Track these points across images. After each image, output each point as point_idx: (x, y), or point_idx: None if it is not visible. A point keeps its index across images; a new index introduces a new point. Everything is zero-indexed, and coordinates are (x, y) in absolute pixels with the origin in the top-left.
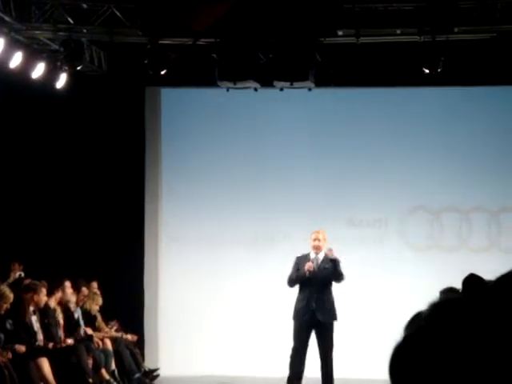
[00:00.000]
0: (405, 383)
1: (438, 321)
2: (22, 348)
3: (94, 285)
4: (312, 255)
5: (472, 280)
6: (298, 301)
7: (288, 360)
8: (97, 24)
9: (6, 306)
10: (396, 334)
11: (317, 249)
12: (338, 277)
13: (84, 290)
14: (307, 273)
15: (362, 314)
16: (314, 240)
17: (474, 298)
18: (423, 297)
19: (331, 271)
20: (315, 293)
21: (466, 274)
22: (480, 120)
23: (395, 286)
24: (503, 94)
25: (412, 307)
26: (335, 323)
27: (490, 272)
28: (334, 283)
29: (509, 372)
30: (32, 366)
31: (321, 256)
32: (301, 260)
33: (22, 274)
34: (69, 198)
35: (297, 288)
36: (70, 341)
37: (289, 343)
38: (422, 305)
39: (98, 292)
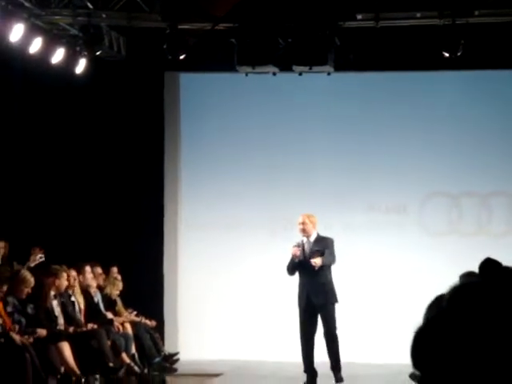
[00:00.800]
0: (427, 365)
1: (459, 304)
2: (43, 332)
3: (114, 270)
4: (304, 240)
5: (489, 264)
6: (298, 287)
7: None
8: (116, 9)
9: (27, 290)
10: (414, 320)
11: (303, 232)
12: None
13: (99, 273)
14: (295, 259)
15: (379, 299)
16: (299, 224)
17: (493, 281)
18: (442, 282)
19: (321, 253)
20: (309, 277)
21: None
22: (500, 104)
23: (414, 271)
24: None
25: (430, 292)
26: (340, 304)
27: (509, 257)
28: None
29: None
30: (53, 349)
31: (312, 239)
32: (293, 246)
33: (43, 257)
34: (89, 183)
35: None
36: (91, 325)
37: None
38: (440, 290)
39: (119, 277)
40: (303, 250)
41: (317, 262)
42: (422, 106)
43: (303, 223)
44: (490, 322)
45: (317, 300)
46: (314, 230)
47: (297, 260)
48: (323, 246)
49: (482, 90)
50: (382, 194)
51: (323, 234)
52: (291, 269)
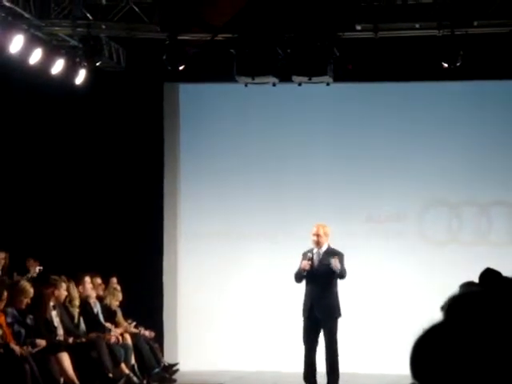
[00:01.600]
0: (426, 376)
1: (459, 314)
2: (42, 342)
3: (114, 280)
4: (314, 250)
5: (489, 274)
6: (304, 298)
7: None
8: (115, 20)
9: (26, 300)
10: (414, 329)
11: (317, 244)
12: (340, 277)
13: (98, 283)
14: (303, 272)
15: (378, 309)
16: (313, 235)
17: (493, 291)
18: (441, 291)
19: (331, 268)
20: (315, 289)
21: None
22: (499, 114)
23: (413, 280)
24: None
25: (430, 302)
26: (343, 319)
27: (509, 267)
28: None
29: None
30: (52, 360)
31: (322, 250)
32: (305, 255)
33: (42, 268)
34: (88, 193)
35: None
36: (92, 335)
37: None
38: (439, 299)
39: (119, 287)
40: (312, 260)
41: (336, 264)
42: (421, 116)
43: (318, 235)
44: (490, 333)
45: (320, 313)
46: (326, 242)
47: (304, 273)
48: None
49: (482, 101)
50: (381, 203)
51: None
52: (299, 278)
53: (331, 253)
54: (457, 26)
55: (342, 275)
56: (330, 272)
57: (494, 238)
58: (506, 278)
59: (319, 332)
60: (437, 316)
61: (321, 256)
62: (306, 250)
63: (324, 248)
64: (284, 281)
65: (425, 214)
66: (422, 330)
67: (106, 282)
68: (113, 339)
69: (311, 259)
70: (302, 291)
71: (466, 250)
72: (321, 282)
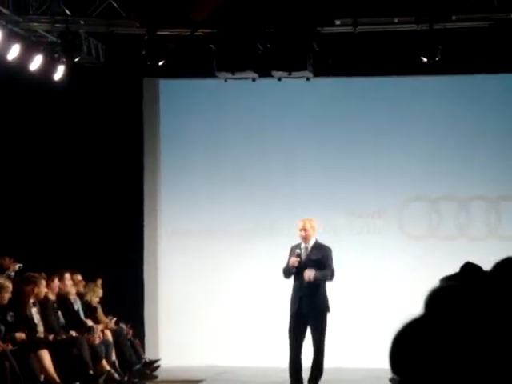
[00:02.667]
0: (406, 370)
1: (438, 308)
2: (21, 335)
3: (99, 281)
4: (302, 245)
5: (469, 268)
6: (292, 293)
7: (287, 350)
8: (94, 15)
9: (7, 295)
10: (394, 323)
11: (304, 239)
12: (328, 281)
13: (79, 280)
14: (292, 269)
15: (360, 303)
16: (300, 230)
17: (472, 284)
18: (422, 286)
19: (319, 263)
20: (304, 284)
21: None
22: (477, 108)
23: (394, 275)
24: (500, 83)
25: (410, 296)
26: (330, 314)
27: (488, 260)
28: None
29: (507, 358)
30: (33, 358)
31: (310, 244)
32: (292, 250)
33: (21, 266)
34: (67, 190)
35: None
36: (73, 333)
37: (287, 333)
38: (420, 293)
39: (99, 284)
40: (300, 256)
41: (310, 276)
42: (401, 110)
43: (305, 229)
44: (468, 326)
45: (309, 309)
46: (313, 236)
47: (293, 270)
48: (321, 254)
49: (460, 95)
50: (362, 199)
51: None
52: (287, 274)
53: (319, 247)
54: (435, 20)
55: (326, 279)
56: (319, 267)
57: (474, 232)
58: (486, 272)
59: (306, 327)
60: (418, 310)
61: (309, 251)
62: (293, 244)
63: (311, 242)
64: (267, 275)
65: (405, 209)
66: (401, 325)
67: (87, 279)
68: (97, 341)
69: (299, 255)
70: (286, 286)
71: (446, 245)
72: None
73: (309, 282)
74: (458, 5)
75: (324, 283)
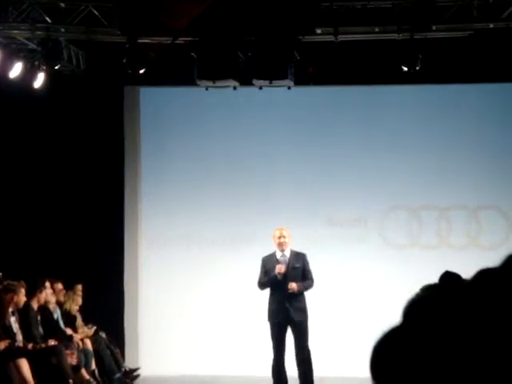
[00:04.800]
0: (386, 379)
1: (416, 317)
2: (1, 345)
3: (79, 287)
4: (278, 254)
5: (448, 277)
6: (271, 302)
7: (267, 359)
8: (75, 23)
9: None
10: (376, 333)
11: (282, 246)
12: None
13: (59, 289)
14: (278, 276)
15: (341, 312)
16: (280, 237)
17: (450, 294)
18: (403, 295)
19: (301, 271)
20: (287, 292)
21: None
22: (457, 118)
23: (375, 284)
24: (480, 92)
25: (392, 305)
26: (309, 321)
27: (469, 269)
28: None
29: (486, 366)
30: (11, 366)
31: (287, 254)
32: (267, 260)
33: (1, 275)
34: (47, 198)
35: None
36: (52, 342)
37: (267, 342)
38: (401, 302)
39: (79, 292)
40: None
41: (294, 287)
42: (381, 119)
43: (284, 236)
44: (446, 336)
45: (296, 316)
46: (290, 244)
47: (280, 277)
48: (301, 261)
49: (442, 104)
50: (342, 207)
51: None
52: (266, 285)
53: (296, 255)
54: (416, 30)
55: (308, 288)
56: (299, 276)
57: (454, 241)
58: (465, 281)
59: (286, 334)
60: (398, 319)
61: (289, 259)
62: (265, 255)
63: (288, 250)
64: (248, 284)
65: (385, 218)
66: (381, 333)
67: (67, 288)
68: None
69: (284, 262)
70: (265, 294)
71: (427, 254)
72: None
73: (290, 292)
74: (438, 15)
75: (303, 292)
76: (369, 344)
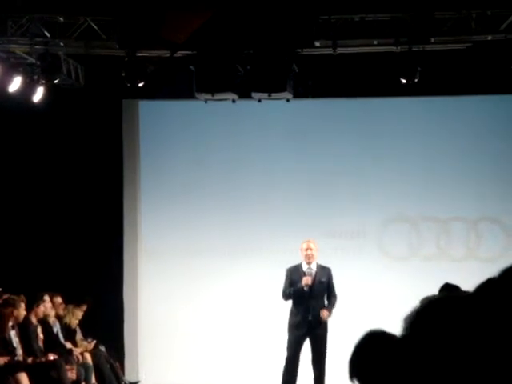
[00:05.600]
0: None
1: (418, 328)
2: (1, 360)
3: (83, 307)
4: (304, 266)
5: (448, 288)
6: (294, 314)
7: (267, 369)
8: (73, 37)
9: None
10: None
11: (309, 258)
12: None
13: (59, 302)
14: (305, 288)
15: (339, 324)
16: (307, 249)
17: (450, 307)
18: (402, 306)
19: (326, 285)
20: (312, 306)
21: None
22: (456, 130)
23: (374, 296)
24: (478, 104)
25: (391, 317)
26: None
27: (468, 281)
28: None
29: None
30: (11, 380)
31: (313, 267)
32: (293, 272)
33: (0, 290)
34: (47, 212)
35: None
36: (51, 356)
37: (269, 352)
38: (400, 314)
39: (83, 309)
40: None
41: (325, 316)
42: (380, 132)
43: (311, 249)
44: (447, 347)
45: (319, 330)
46: (317, 257)
47: (306, 289)
48: (327, 276)
49: (440, 116)
50: (342, 219)
51: (281, 260)
52: (291, 296)
53: (322, 268)
54: (414, 42)
55: (334, 307)
56: (325, 289)
57: (454, 253)
58: (465, 293)
59: (302, 347)
60: (398, 330)
61: (316, 272)
62: (290, 266)
63: (314, 263)
64: (248, 295)
65: (385, 229)
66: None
67: (66, 301)
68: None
69: (311, 275)
70: (267, 305)
71: (427, 265)
72: (316, 300)
73: (319, 304)
74: (436, 27)
75: (325, 305)
76: None
